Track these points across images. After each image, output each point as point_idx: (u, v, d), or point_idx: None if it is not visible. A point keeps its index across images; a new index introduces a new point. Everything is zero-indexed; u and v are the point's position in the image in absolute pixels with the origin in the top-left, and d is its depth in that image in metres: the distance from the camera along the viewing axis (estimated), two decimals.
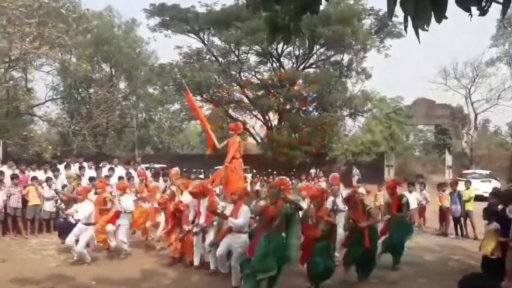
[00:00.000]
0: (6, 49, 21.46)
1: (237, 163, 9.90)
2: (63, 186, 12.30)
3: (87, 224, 8.90)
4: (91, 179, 12.06)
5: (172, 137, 40.68)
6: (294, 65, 32.30)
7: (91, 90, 29.99)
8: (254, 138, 32.74)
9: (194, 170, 18.39)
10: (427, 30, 2.52)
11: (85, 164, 14.44)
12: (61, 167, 13.91)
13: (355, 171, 25.45)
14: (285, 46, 29.35)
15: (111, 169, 14.57)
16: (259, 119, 32.13)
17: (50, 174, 13.09)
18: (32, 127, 28.29)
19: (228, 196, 8.56)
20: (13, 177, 11.98)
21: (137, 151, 34.67)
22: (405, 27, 2.62)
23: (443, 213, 12.64)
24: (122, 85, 33.64)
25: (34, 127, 28.57)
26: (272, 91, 29.59)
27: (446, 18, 2.49)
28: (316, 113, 31.50)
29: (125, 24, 32.40)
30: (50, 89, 28.19)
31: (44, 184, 12.39)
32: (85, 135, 26.38)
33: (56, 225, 11.94)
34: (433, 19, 2.48)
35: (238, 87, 31.19)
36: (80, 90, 30.49)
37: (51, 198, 12.28)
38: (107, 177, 13.10)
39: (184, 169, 16.93)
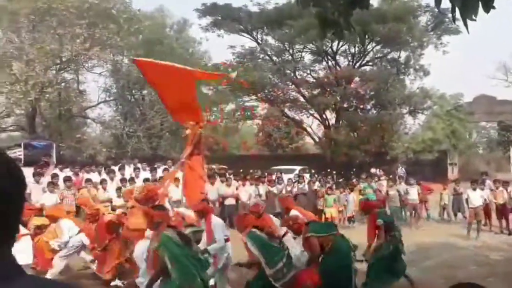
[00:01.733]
0: (57, 50, 20.76)
1: (197, 160, 8.31)
2: (118, 188, 11.69)
3: None
4: (146, 180, 11.99)
5: (228, 137, 39.47)
6: (350, 63, 30.78)
7: (145, 92, 29.05)
8: (312, 138, 31.77)
9: (250, 171, 17.95)
10: (475, 20, 2.54)
11: (139, 165, 14.70)
12: (115, 169, 13.78)
13: (400, 169, 24.26)
14: (340, 44, 28.24)
15: (166, 170, 14.25)
16: (316, 118, 30.79)
17: (104, 176, 13.08)
18: (85, 129, 27.73)
19: (189, 201, 7.74)
20: (66, 179, 11.82)
21: None
22: (453, 17, 2.63)
23: (500, 210, 12.27)
24: None
25: (88, 130, 27.97)
26: (329, 89, 28.26)
27: (494, 8, 2.54)
28: (374, 111, 29.86)
29: (176, 25, 31.48)
30: (102, 91, 27.53)
31: (99, 186, 12.15)
32: (140, 137, 25.69)
33: None
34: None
35: (293, 86, 29.88)
36: (133, 91, 29.62)
37: (105, 200, 11.72)
38: (161, 178, 12.79)
39: (241, 170, 17.18)
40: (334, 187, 15.22)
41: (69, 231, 7.67)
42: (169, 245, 4.83)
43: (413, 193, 13.70)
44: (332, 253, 5.76)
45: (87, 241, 7.68)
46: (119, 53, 24.26)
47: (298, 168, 21.94)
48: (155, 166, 14.94)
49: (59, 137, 22.66)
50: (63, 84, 22.09)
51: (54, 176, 12.14)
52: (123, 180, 12.37)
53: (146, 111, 27.67)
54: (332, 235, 5.89)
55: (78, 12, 20.64)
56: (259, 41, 31.49)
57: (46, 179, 12.08)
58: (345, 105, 28.71)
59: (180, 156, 8.61)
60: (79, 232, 7.75)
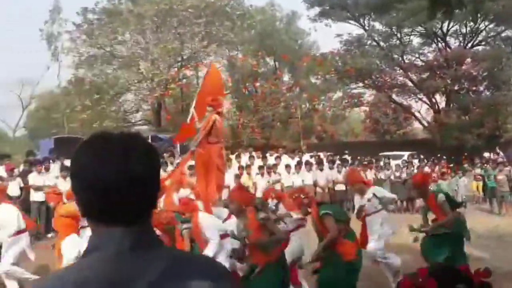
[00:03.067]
0: (178, 49, 21.71)
1: (213, 149, 7.31)
2: (236, 176, 12.00)
3: None
4: (260, 168, 13.01)
5: (336, 125, 39.06)
6: (461, 44, 29.30)
7: (257, 84, 29.57)
8: (420, 123, 30.84)
9: (358, 157, 17.75)
10: None
11: (254, 154, 15.09)
12: (233, 157, 14.14)
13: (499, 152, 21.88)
14: (450, 25, 27.05)
15: (278, 157, 14.73)
16: (425, 102, 29.81)
17: None
18: None
19: (198, 193, 6.98)
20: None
21: (302, 141, 33.70)
22: None
23: None
24: (286, 77, 32.85)
25: None
26: (438, 72, 27.11)
27: None
28: (488, 93, 28.32)
29: (286, 17, 31.67)
30: None
31: None
32: (253, 127, 26.23)
33: None
34: None
35: (401, 70, 29.08)
36: (247, 84, 30.32)
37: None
38: (275, 165, 13.64)
39: (349, 157, 17.09)
40: (448, 171, 14.94)
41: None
42: None
43: None
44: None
45: None
46: (234, 49, 24.87)
47: (406, 153, 21.32)
48: (267, 155, 15.39)
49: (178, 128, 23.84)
50: (184, 80, 23.16)
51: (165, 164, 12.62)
52: (239, 167, 12.89)
53: (259, 103, 28.16)
54: (344, 224, 5.05)
55: (196, 11, 21.47)
56: (366, 27, 30.92)
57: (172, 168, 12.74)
58: (456, 88, 27.59)
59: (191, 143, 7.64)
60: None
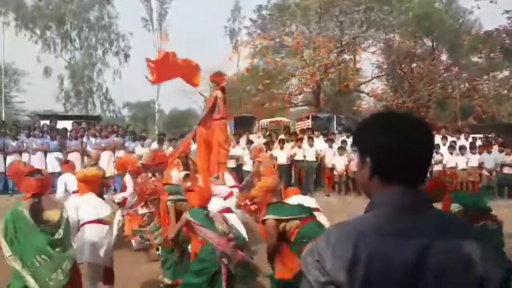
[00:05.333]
0: (338, 36, 22.88)
1: (216, 125, 7.22)
2: None
3: None
4: None
5: (499, 106, 36.17)
6: None
7: (414, 65, 29.27)
8: None
9: None
10: None
11: None
12: None
13: None
14: None
15: (444, 138, 14.31)
16: None
17: None
18: (359, 102, 29.64)
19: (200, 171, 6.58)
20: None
21: (460, 121, 32.37)
22: None
23: None
24: (443, 57, 31.73)
25: (362, 103, 29.78)
26: None
27: None
28: None
29: None
30: (375, 68, 28.91)
31: None
32: (409, 108, 26.29)
33: None
34: None
35: None
36: (402, 65, 30.17)
37: None
38: (437, 146, 12.99)
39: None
40: None
41: None
42: None
43: None
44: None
45: None
46: (391, 32, 25.13)
47: None
48: None
49: (339, 109, 25.05)
50: (342, 64, 24.27)
51: (343, 142, 13.76)
52: None
53: (415, 83, 27.98)
54: (299, 220, 4.27)
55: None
56: None
57: (336, 144, 13.98)
58: None
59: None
60: None
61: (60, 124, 14.72)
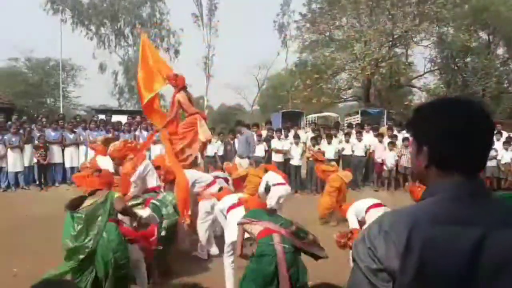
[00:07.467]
0: (389, 30, 22.17)
1: (191, 120, 7.04)
2: None
3: None
4: None
5: None
6: None
7: (468, 59, 28.01)
8: None
9: None
10: None
11: None
12: None
13: None
14: None
15: (498, 133, 13.69)
16: None
17: None
18: (411, 97, 28.70)
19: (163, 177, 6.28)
20: (404, 139, 12.76)
21: None
22: None
23: None
24: (500, 50, 30.23)
25: (414, 98, 28.84)
26: None
27: None
28: None
29: None
30: (428, 62, 27.90)
31: None
32: None
33: None
34: None
35: None
36: (456, 60, 28.94)
37: None
38: None
39: None
40: None
41: None
42: None
43: None
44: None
45: None
46: (444, 25, 24.10)
47: None
48: None
49: (389, 104, 24.33)
50: (394, 58, 23.50)
51: (393, 136, 13.36)
52: None
53: (469, 78, 26.79)
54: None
55: None
56: None
57: (386, 139, 13.44)
58: None
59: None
60: None
61: (115, 118, 15.35)
